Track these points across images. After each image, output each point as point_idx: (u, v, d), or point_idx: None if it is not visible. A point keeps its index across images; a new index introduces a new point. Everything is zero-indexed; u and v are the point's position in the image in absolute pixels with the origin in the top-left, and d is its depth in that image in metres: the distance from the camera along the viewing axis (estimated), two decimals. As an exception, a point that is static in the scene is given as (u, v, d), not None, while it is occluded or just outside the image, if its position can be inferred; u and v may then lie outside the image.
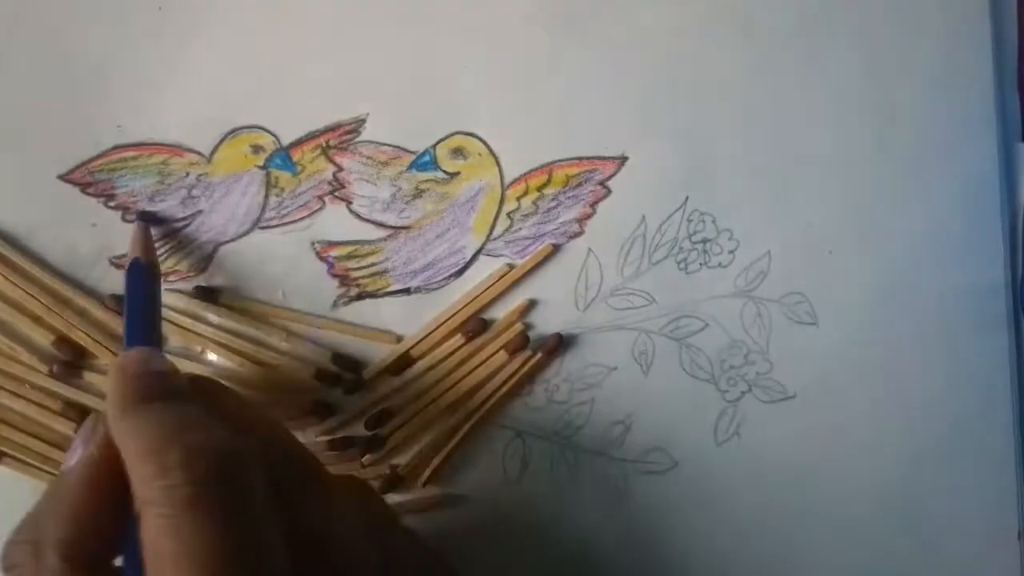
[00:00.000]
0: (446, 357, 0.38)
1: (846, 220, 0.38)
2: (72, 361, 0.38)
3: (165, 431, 0.26)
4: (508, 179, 0.38)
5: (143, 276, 0.35)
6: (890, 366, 0.38)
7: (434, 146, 0.38)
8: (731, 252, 0.39)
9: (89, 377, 0.38)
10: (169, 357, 0.37)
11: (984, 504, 0.38)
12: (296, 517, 0.27)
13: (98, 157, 0.38)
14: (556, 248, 0.38)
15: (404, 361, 0.38)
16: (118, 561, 0.27)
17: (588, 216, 0.38)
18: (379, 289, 0.38)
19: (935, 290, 0.38)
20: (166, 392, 0.29)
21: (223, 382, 0.32)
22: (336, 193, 0.38)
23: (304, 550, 0.27)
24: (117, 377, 0.29)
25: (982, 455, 0.38)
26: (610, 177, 0.38)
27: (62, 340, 0.37)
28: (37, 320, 0.37)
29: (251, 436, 0.28)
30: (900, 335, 0.38)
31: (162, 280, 0.38)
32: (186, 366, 0.38)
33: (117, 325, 0.38)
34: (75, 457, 0.28)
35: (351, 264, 0.38)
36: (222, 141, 0.38)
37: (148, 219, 0.38)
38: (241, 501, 0.25)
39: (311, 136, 0.38)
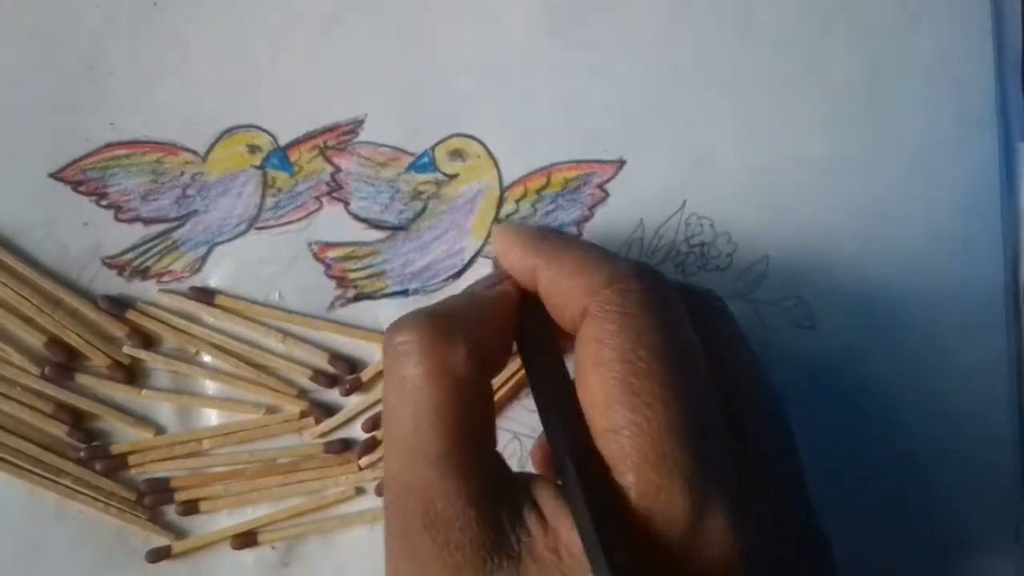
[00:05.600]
0: (444, 359, 0.38)
1: (845, 223, 0.39)
2: (64, 363, 0.37)
3: (601, 250, 0.29)
4: (507, 181, 0.38)
5: None
6: (889, 369, 0.39)
7: (433, 148, 0.38)
8: (729, 255, 0.39)
9: (81, 379, 0.37)
10: (163, 359, 0.37)
11: (983, 506, 0.39)
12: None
13: (90, 155, 0.37)
14: (554, 250, 0.38)
15: (402, 363, 0.38)
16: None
17: (586, 219, 0.38)
18: (377, 291, 0.38)
19: (934, 292, 0.39)
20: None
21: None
22: (334, 194, 0.38)
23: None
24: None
25: (981, 457, 0.39)
26: (608, 180, 0.38)
27: (54, 342, 0.37)
28: (28, 321, 0.37)
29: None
30: (899, 338, 0.39)
31: (156, 280, 0.38)
32: (181, 368, 0.38)
33: (110, 327, 0.37)
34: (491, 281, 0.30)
35: (349, 265, 0.38)
36: (218, 140, 0.38)
37: None
38: (681, 313, 0.27)
39: (309, 136, 0.38)
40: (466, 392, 0.27)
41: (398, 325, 0.28)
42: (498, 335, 0.29)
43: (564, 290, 0.28)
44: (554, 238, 0.30)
